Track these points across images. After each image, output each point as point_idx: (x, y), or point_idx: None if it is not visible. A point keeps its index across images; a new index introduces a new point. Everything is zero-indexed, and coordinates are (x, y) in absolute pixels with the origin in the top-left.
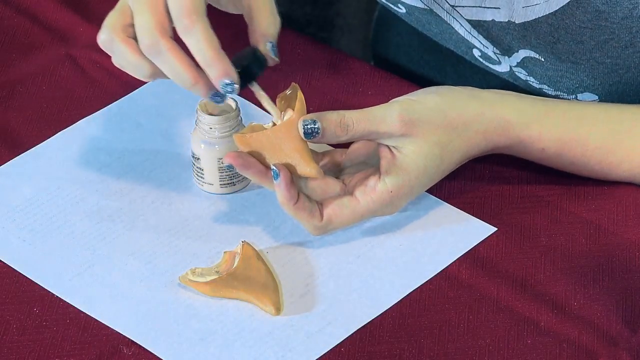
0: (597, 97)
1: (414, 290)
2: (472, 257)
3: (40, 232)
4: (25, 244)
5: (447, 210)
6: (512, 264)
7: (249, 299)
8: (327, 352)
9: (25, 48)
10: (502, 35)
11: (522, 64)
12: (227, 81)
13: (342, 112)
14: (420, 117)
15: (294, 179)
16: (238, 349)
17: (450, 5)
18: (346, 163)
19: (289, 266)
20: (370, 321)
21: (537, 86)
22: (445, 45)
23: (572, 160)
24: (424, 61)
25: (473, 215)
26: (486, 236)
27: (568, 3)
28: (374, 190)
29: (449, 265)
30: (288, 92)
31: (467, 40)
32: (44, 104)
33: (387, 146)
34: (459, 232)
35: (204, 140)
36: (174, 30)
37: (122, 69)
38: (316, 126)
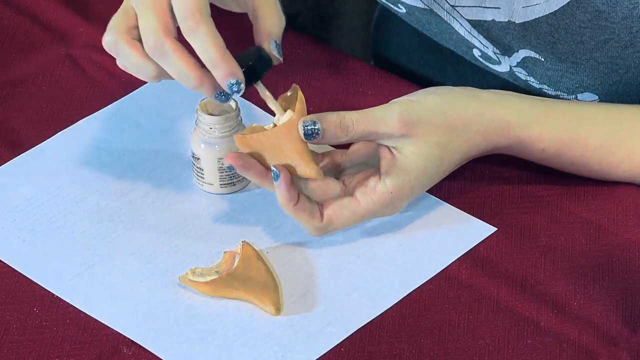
0: (597, 97)
1: (414, 290)
2: (472, 257)
3: (40, 232)
4: (25, 244)
5: (447, 210)
6: (512, 264)
7: (249, 299)
8: (327, 352)
9: (25, 48)
10: (502, 35)
11: (522, 64)
12: (233, 81)
13: (342, 113)
14: (420, 118)
15: (294, 180)
16: (238, 349)
17: (451, 5)
18: (346, 164)
19: (289, 266)
20: (370, 321)
21: (537, 86)
22: (445, 45)
23: (572, 161)
24: (424, 61)
25: (473, 215)
26: (486, 236)
27: (568, 3)
28: (374, 191)
29: (449, 265)
30: (288, 93)
31: (467, 40)
32: (44, 104)
33: (387, 147)
34: (459, 232)
35: (204, 140)
36: (178, 31)
37: (126, 71)
38: (316, 127)
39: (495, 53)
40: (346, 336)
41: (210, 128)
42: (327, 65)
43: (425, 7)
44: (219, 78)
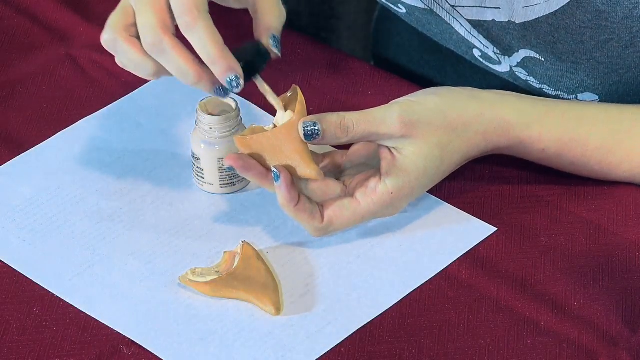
0: (597, 97)
1: (414, 290)
2: (472, 257)
3: (40, 232)
4: (25, 244)
5: (447, 211)
6: (512, 264)
7: (249, 299)
8: (327, 352)
9: (25, 48)
10: (502, 35)
11: (522, 64)
12: (232, 76)
13: (342, 113)
14: (420, 119)
15: (295, 181)
16: (238, 349)
17: (451, 6)
18: (346, 164)
19: (289, 266)
20: (370, 321)
21: (538, 86)
22: (445, 46)
23: (572, 161)
24: (424, 61)
25: (473, 215)
26: (486, 236)
27: (568, 3)
28: (374, 191)
29: (449, 265)
30: (288, 94)
31: (468, 40)
32: (44, 104)
33: (388, 147)
34: (459, 232)
35: (204, 140)
36: (177, 29)
37: (125, 69)
38: (316, 128)
39: (495, 53)
40: (346, 336)
41: (210, 128)
42: (327, 65)
43: (426, 7)
44: (217, 74)
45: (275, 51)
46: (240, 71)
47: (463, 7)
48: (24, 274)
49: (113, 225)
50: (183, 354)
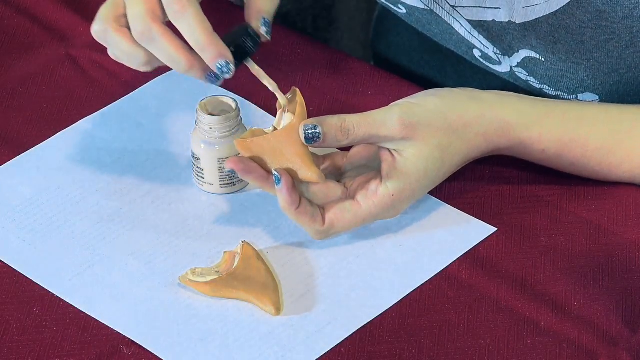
0: (597, 97)
1: (414, 290)
2: (472, 257)
3: (40, 232)
4: (25, 244)
5: (447, 211)
6: (512, 264)
7: (249, 299)
8: (327, 352)
9: (25, 48)
10: (502, 36)
11: (522, 64)
12: (223, 62)
13: (342, 116)
14: (420, 120)
15: (296, 184)
16: (238, 349)
17: (451, 6)
18: (347, 166)
19: (289, 266)
20: (370, 321)
21: (538, 86)
22: (445, 46)
23: (572, 161)
24: (424, 61)
25: (473, 216)
26: (486, 236)
27: (568, 3)
28: (375, 194)
29: (449, 265)
30: (288, 96)
31: (468, 41)
32: (44, 104)
33: (388, 149)
34: (459, 233)
35: (204, 140)
36: (170, 24)
37: (118, 61)
38: (317, 131)
39: (495, 53)
40: (346, 336)
41: (210, 128)
42: (327, 65)
43: (426, 7)
44: (207, 60)
45: (265, 35)
46: (230, 57)
47: (463, 7)
48: (24, 274)
49: (113, 225)
50: (183, 354)
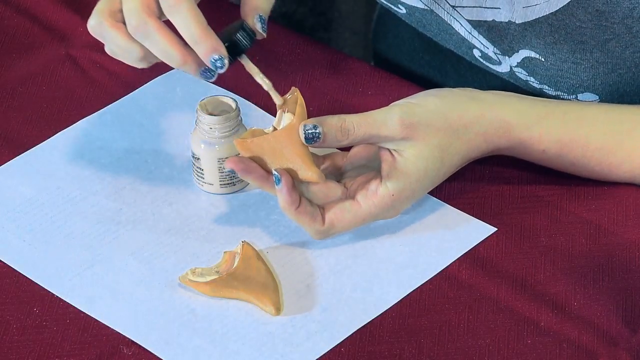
0: (597, 97)
1: (414, 290)
2: (472, 257)
3: (40, 232)
4: (25, 244)
5: (447, 211)
6: (512, 264)
7: (249, 299)
8: (327, 352)
9: (25, 48)
10: (502, 36)
11: (522, 64)
12: (216, 57)
13: (342, 116)
14: (420, 120)
15: (296, 184)
16: (238, 349)
17: (451, 6)
18: (347, 166)
19: (289, 266)
20: (370, 321)
21: (538, 86)
22: (445, 46)
23: (572, 162)
24: (424, 61)
25: (473, 216)
26: (486, 236)
27: (568, 3)
28: (375, 194)
29: (449, 265)
30: (288, 96)
31: (468, 41)
32: (44, 104)
33: (388, 149)
34: (459, 233)
35: (204, 140)
36: (166, 21)
37: (114, 57)
38: (317, 131)
39: (495, 53)
40: (346, 336)
41: (210, 128)
42: (327, 65)
43: (426, 7)
44: (201, 55)
45: (260, 31)
46: (224, 52)
47: (463, 7)
48: (24, 274)
49: (113, 225)
50: (183, 354)
